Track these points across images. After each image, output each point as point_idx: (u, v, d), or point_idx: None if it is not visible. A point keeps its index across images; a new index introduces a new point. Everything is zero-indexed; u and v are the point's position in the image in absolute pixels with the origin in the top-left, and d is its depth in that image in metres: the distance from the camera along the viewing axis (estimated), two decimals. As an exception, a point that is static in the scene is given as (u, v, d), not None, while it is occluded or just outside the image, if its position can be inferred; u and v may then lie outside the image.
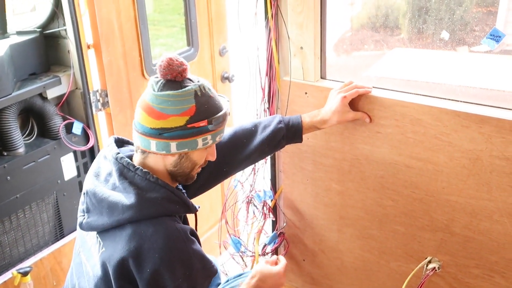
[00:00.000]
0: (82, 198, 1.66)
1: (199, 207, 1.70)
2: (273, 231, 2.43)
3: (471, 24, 2.02)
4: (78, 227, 1.71)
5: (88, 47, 2.71)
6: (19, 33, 2.71)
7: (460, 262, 1.99)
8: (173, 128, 1.52)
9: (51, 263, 2.63)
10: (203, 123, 1.54)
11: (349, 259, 2.26)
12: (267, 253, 2.35)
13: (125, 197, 1.54)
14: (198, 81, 1.57)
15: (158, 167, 1.61)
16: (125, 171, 1.58)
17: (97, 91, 2.75)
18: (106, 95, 2.76)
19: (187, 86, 1.54)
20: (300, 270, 2.43)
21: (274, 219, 2.36)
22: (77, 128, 2.65)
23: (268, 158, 2.31)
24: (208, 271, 1.62)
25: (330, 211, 2.23)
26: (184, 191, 1.81)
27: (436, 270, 2.04)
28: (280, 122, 1.95)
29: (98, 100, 2.77)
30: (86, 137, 2.71)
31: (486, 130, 1.78)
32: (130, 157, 1.66)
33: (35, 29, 2.71)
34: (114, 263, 1.52)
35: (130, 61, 2.89)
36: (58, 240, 2.69)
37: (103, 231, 1.59)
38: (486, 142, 1.79)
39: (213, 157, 1.68)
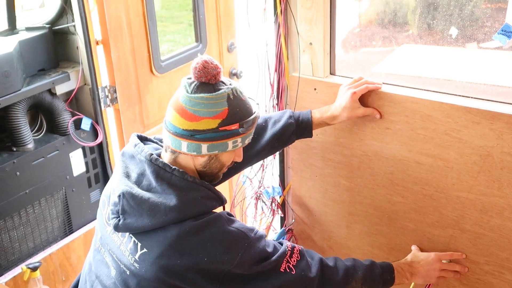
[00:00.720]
0: (115, 199, 1.61)
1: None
2: (281, 227, 2.42)
3: (481, 20, 2.00)
4: (106, 226, 1.70)
5: (97, 43, 2.72)
6: (28, 29, 2.71)
7: (471, 259, 1.98)
8: (205, 130, 1.53)
9: (60, 258, 2.64)
10: (234, 127, 1.54)
11: (358, 256, 2.25)
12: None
13: (166, 199, 1.54)
14: (231, 84, 1.58)
15: (188, 166, 1.62)
16: (162, 172, 1.57)
17: (106, 87, 2.75)
18: (115, 91, 2.77)
19: (221, 89, 1.54)
20: (309, 266, 2.42)
21: (282, 215, 2.36)
22: (86, 124, 2.66)
23: (277, 154, 2.30)
24: (260, 235, 1.65)
25: (339, 207, 2.22)
26: None
27: (445, 267, 2.03)
28: (290, 117, 1.95)
29: (107, 96, 2.77)
30: (94, 133, 2.71)
31: (497, 127, 1.76)
32: (159, 156, 1.66)
33: (44, 25, 2.72)
34: (158, 269, 1.55)
35: (139, 57, 2.89)
36: (67, 236, 2.70)
37: (141, 232, 1.58)
38: (497, 138, 1.78)
39: (240, 158, 1.69)
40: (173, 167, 1.58)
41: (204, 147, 1.55)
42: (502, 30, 1.73)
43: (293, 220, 2.37)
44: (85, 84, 2.70)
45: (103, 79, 2.74)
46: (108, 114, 2.84)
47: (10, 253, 2.55)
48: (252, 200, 2.33)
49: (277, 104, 2.19)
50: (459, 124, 1.83)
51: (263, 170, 2.29)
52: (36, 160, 2.56)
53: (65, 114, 2.69)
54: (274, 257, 1.62)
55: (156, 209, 1.53)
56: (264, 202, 2.33)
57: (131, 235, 1.61)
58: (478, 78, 2.02)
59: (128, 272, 1.61)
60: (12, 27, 2.74)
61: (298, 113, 1.97)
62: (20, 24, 2.76)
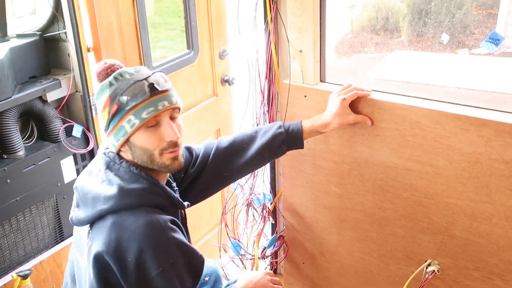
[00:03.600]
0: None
1: (188, 205, 1.71)
2: (272, 234, 2.43)
3: (471, 27, 2.02)
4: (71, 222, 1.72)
5: (88, 50, 2.71)
6: (19, 36, 2.71)
7: (460, 265, 1.99)
8: (106, 123, 1.58)
9: (51, 266, 2.63)
10: (115, 107, 1.54)
11: (349, 262, 2.26)
12: (267, 256, 2.35)
13: (108, 189, 1.55)
14: (120, 70, 1.58)
15: (131, 161, 1.62)
16: (111, 164, 1.60)
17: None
18: (106, 98, 2.76)
19: (104, 80, 1.58)
20: (300, 273, 2.43)
21: (273, 222, 2.36)
22: (77, 131, 2.65)
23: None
24: (193, 259, 1.61)
25: (330, 214, 2.23)
26: (176, 188, 1.81)
27: (435, 273, 2.04)
28: (280, 127, 1.96)
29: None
30: (86, 140, 2.71)
31: (485, 133, 1.78)
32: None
33: (35, 32, 2.71)
34: (93, 256, 1.53)
35: (130, 64, 2.89)
36: (58, 243, 2.69)
37: (93, 224, 1.59)
38: (486, 145, 1.79)
39: (169, 137, 1.57)
40: (122, 159, 1.60)
41: (113, 139, 1.59)
42: (490, 38, 1.75)
43: (284, 227, 2.37)
44: (77, 91, 2.69)
45: (95, 86, 2.74)
46: (100, 121, 2.84)
47: (0, 261, 2.54)
48: (243, 207, 2.33)
49: (268, 111, 2.19)
50: (448, 131, 1.85)
51: (254, 177, 2.29)
52: (27, 167, 2.55)
53: (56, 121, 2.69)
54: None
55: (98, 198, 1.55)
56: (255, 209, 2.34)
57: (89, 228, 1.62)
58: (469, 84, 2.04)
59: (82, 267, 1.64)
60: (3, 34, 2.73)
61: (288, 123, 1.98)
62: (11, 31, 2.76)
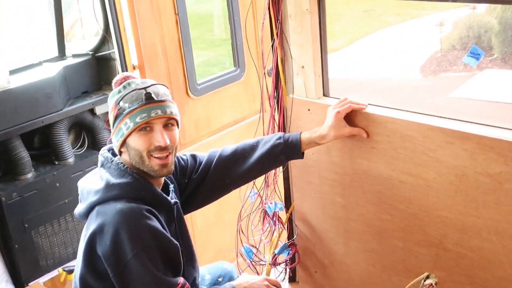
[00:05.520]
0: None
1: (175, 202, 1.89)
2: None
3: None
4: None
5: (134, 68, 2.98)
6: (74, 56, 3.04)
7: (455, 279, 1.99)
8: (111, 125, 1.81)
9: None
10: (116, 111, 1.77)
11: (355, 272, 2.31)
12: (279, 263, 2.45)
13: (98, 183, 1.79)
14: (129, 80, 1.81)
15: (128, 163, 1.83)
16: (105, 163, 1.84)
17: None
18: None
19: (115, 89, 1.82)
20: (314, 281, 2.50)
21: (282, 229, 2.45)
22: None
23: (280, 171, 2.42)
24: (167, 247, 1.78)
25: (336, 224, 2.29)
26: (172, 189, 1.96)
27: (433, 286, 2.04)
28: (279, 138, 2.07)
29: (144, 117, 3.00)
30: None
31: (469, 147, 1.79)
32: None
33: (88, 52, 3.02)
34: (85, 243, 1.75)
35: (175, 80, 3.12)
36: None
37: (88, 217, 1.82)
38: (470, 158, 1.80)
39: (158, 142, 1.76)
40: (114, 159, 1.82)
41: (114, 139, 1.81)
42: (471, 53, 1.77)
43: (295, 236, 2.46)
44: (124, 105, 2.94)
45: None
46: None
47: (50, 257, 2.83)
48: (257, 215, 2.45)
49: (278, 125, 2.31)
50: (435, 144, 1.87)
51: (267, 186, 2.41)
52: (75, 173, 2.84)
53: (104, 132, 2.97)
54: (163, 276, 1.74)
55: (90, 192, 1.79)
56: (270, 217, 2.44)
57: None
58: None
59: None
60: (62, 54, 3.07)
61: (288, 134, 2.09)
62: (70, 51, 3.10)
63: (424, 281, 2.06)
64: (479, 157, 1.78)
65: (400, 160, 1.98)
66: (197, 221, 3.33)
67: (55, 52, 3.04)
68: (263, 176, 2.38)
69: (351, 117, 2.05)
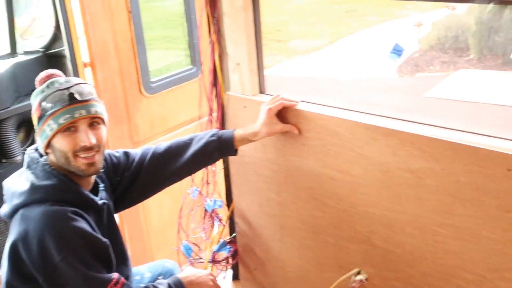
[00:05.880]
0: None
1: (103, 202, 1.87)
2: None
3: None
4: None
5: (85, 65, 2.97)
6: (26, 53, 3.03)
7: (383, 275, 2.01)
8: (35, 126, 1.78)
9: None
10: (40, 112, 1.74)
11: (291, 269, 2.32)
12: (219, 261, 2.45)
13: (22, 185, 1.75)
14: (52, 79, 1.78)
15: (55, 164, 1.79)
16: (31, 164, 1.80)
17: (94, 105, 2.99)
18: (102, 110, 2.99)
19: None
20: (254, 279, 2.51)
21: (222, 226, 2.46)
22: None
23: (220, 167, 2.42)
24: (96, 245, 1.75)
25: (272, 221, 2.30)
26: (102, 189, 1.94)
27: (363, 282, 2.06)
28: (213, 135, 2.08)
29: (95, 114, 3.00)
30: (81, 148, 2.94)
31: (392, 143, 1.81)
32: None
33: (39, 49, 3.02)
34: (8, 248, 1.71)
35: (127, 78, 3.11)
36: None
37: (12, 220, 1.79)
38: (393, 154, 1.82)
39: (83, 142, 1.74)
40: (41, 159, 1.78)
41: (39, 140, 1.78)
42: (394, 49, 1.80)
43: (235, 234, 2.47)
44: (76, 103, 2.94)
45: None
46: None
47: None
48: (198, 212, 2.46)
49: (217, 121, 2.32)
50: (362, 141, 1.89)
51: (208, 183, 2.41)
52: (22, 171, 2.83)
53: (53, 130, 2.96)
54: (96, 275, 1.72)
55: (14, 194, 1.75)
56: (210, 214, 2.45)
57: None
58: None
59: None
60: (13, 51, 3.06)
61: (222, 131, 2.10)
62: (21, 48, 3.09)
63: (355, 277, 2.08)
64: (400, 153, 1.80)
65: (330, 157, 2.00)
66: (152, 220, 3.32)
67: (7, 49, 3.04)
68: (204, 174, 2.39)
69: (283, 114, 2.06)
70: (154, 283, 1.93)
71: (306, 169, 2.09)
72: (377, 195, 1.91)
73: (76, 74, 2.90)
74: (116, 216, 3.15)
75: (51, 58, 3.05)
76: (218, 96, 2.28)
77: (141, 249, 3.28)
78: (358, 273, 2.08)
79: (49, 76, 1.81)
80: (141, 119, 3.20)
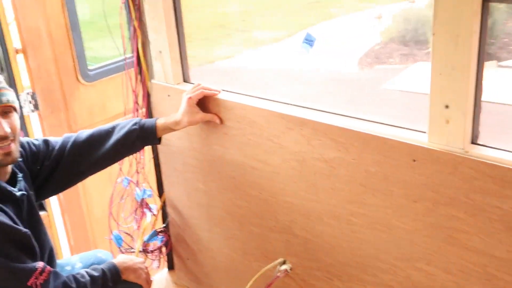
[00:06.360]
0: None
1: (23, 194, 1.83)
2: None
3: (501, 38, 1.97)
4: None
5: (17, 51, 2.90)
6: (-44, 39, 2.93)
7: (305, 264, 2.00)
8: None
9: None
10: None
11: (220, 259, 2.31)
12: (151, 251, 2.43)
13: None
14: None
15: None
16: None
17: (28, 93, 2.93)
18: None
19: None
20: (186, 269, 2.50)
21: (154, 215, 2.43)
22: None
23: (148, 156, 2.39)
24: (16, 236, 1.72)
25: (200, 210, 2.29)
26: (21, 179, 1.89)
27: (287, 272, 2.06)
28: (135, 124, 2.04)
29: (30, 102, 2.94)
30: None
31: (306, 133, 1.80)
32: None
33: (-30, 35, 2.93)
34: None
35: (63, 66, 3.05)
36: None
37: None
38: (307, 144, 1.81)
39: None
40: None
41: None
42: (305, 39, 1.77)
43: (165, 223, 2.44)
44: (10, 90, 2.88)
45: (27, 86, 2.93)
46: (34, 119, 3.03)
47: None
48: (129, 202, 2.43)
49: (137, 110, 2.28)
50: (278, 130, 1.88)
51: (138, 172, 2.38)
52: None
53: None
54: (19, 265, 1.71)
55: None
56: (143, 205, 2.42)
57: None
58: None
59: None
60: None
61: (145, 120, 2.07)
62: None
63: (280, 266, 2.08)
64: (315, 142, 1.78)
65: (250, 146, 1.98)
66: (93, 209, 3.29)
67: None
68: (133, 163, 2.36)
69: (205, 103, 2.04)
70: (88, 269, 1.91)
71: (229, 159, 2.07)
72: (294, 184, 1.90)
73: (7, 60, 2.83)
74: (57, 205, 3.16)
75: (-14, 45, 2.97)
76: (144, 85, 2.23)
77: (83, 238, 3.25)
78: (284, 263, 2.09)
79: None
80: (79, 107, 3.15)
